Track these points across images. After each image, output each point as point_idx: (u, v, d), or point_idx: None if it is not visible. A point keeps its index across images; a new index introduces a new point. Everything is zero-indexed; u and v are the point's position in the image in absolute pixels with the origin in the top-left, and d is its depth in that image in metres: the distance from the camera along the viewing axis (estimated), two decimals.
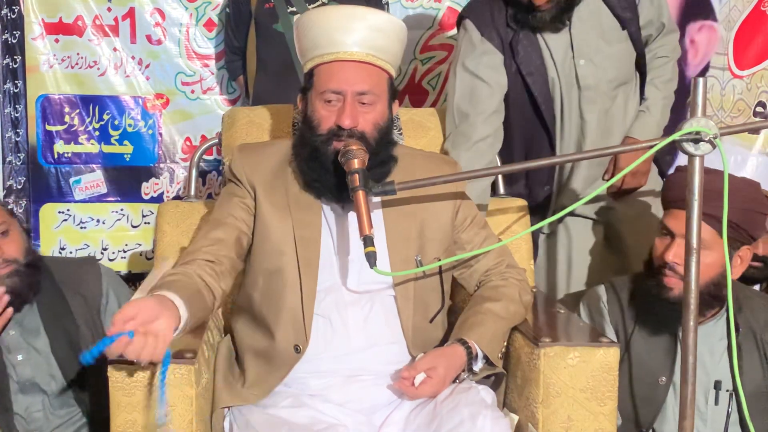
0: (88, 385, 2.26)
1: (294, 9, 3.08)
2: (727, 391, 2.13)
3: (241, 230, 1.92)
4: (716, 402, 2.13)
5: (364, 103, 1.86)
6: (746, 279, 2.34)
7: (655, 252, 2.12)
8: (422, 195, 1.96)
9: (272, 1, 3.07)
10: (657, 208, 2.40)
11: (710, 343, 2.13)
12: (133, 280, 3.49)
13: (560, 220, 2.54)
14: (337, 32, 1.85)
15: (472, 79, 2.41)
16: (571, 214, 2.53)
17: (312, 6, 3.04)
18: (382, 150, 1.89)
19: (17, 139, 3.42)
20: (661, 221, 2.13)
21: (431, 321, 1.96)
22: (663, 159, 2.64)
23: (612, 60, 2.45)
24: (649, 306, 2.14)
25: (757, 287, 2.64)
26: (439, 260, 1.95)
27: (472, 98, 2.40)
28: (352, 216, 1.91)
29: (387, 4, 3.29)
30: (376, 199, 1.91)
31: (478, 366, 1.86)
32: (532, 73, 2.43)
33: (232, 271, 1.88)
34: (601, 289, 2.27)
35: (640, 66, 2.55)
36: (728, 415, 2.12)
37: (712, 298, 2.05)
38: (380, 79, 1.89)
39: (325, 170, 1.87)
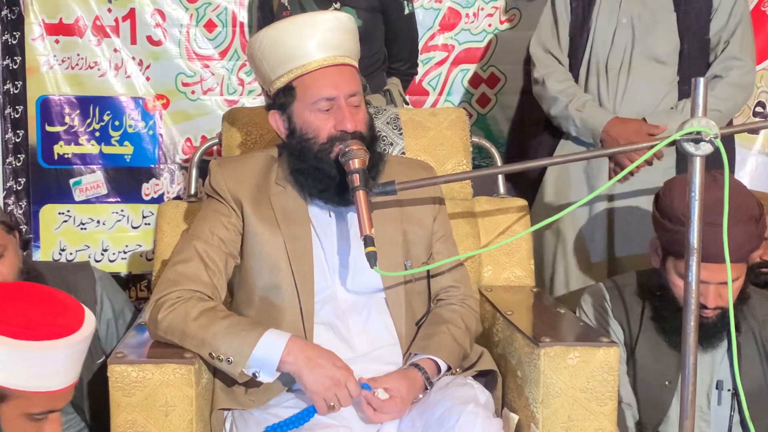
0: (86, 393, 2.25)
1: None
2: (729, 390, 2.13)
3: (230, 254, 1.91)
4: (719, 402, 2.13)
5: (354, 105, 1.86)
6: (759, 285, 2.35)
7: (680, 293, 2.08)
8: (404, 202, 1.97)
9: (289, 8, 3.07)
10: None
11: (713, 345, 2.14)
12: (134, 281, 3.49)
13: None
14: (307, 41, 1.84)
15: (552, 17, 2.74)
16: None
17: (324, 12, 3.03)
18: (375, 146, 1.90)
19: (17, 140, 3.42)
20: (678, 266, 2.07)
21: (417, 324, 1.97)
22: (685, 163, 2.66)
23: (651, 29, 2.59)
24: (655, 310, 2.15)
25: None
26: (427, 263, 1.97)
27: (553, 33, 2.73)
28: (341, 220, 1.92)
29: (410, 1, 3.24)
30: None
31: (435, 380, 1.87)
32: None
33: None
34: (603, 288, 2.27)
35: (682, 62, 2.62)
36: (731, 416, 2.12)
37: (738, 309, 2.09)
38: (357, 77, 1.90)
39: (330, 177, 1.86)
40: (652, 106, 2.61)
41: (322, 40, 1.85)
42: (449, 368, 1.89)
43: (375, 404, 1.77)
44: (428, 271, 2.00)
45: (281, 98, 1.90)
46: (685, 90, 2.63)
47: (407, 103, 3.25)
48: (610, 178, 2.60)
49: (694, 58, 2.63)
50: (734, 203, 1.96)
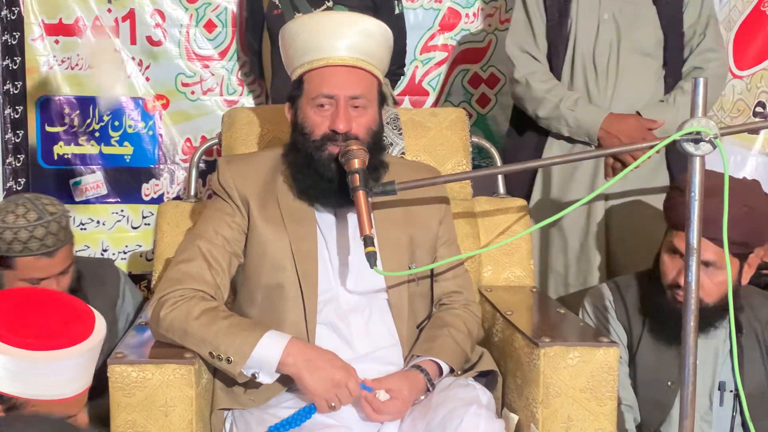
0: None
1: (301, 15, 3.06)
2: (731, 392, 2.13)
3: (233, 254, 1.91)
4: (721, 403, 2.13)
5: (356, 107, 1.85)
6: (759, 287, 2.34)
7: (665, 270, 2.10)
8: (411, 203, 1.96)
9: (280, 7, 3.06)
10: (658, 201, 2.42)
11: (715, 345, 2.14)
12: (134, 281, 3.48)
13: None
14: (326, 38, 1.84)
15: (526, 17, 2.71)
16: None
17: (318, 11, 3.02)
18: (374, 155, 1.88)
19: (17, 141, 3.42)
20: (668, 240, 2.10)
21: (419, 327, 1.97)
22: (675, 157, 2.65)
23: (634, 23, 2.59)
24: (658, 311, 2.14)
25: None
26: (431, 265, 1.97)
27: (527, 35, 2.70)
28: (344, 221, 1.92)
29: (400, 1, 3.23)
30: None
31: (436, 382, 1.87)
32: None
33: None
34: (605, 288, 2.27)
35: (667, 54, 2.63)
36: (733, 417, 2.12)
37: (725, 311, 2.04)
38: (371, 83, 1.89)
39: (320, 176, 1.86)
40: (643, 100, 2.61)
41: (342, 41, 1.85)
42: (451, 370, 1.89)
43: (375, 405, 1.77)
44: (431, 274, 2.01)
45: (293, 90, 1.91)
46: (670, 82, 2.64)
47: (396, 103, 3.24)
48: (606, 174, 2.60)
49: (677, 50, 2.64)
50: (737, 190, 1.94)
